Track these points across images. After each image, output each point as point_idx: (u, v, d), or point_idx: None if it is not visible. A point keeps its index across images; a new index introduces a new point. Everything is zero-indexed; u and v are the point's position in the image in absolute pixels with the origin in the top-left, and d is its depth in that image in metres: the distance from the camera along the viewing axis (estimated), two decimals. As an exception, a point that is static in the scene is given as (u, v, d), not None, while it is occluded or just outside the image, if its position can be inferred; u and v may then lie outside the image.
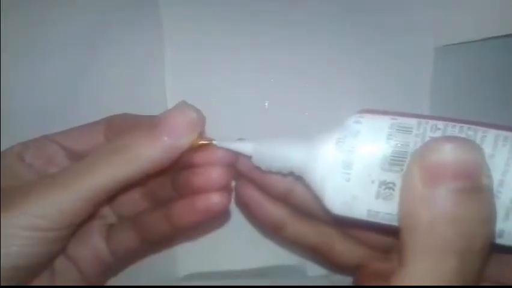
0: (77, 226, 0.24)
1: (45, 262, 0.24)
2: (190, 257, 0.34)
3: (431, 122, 0.21)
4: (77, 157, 0.27)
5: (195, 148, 0.24)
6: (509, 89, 0.34)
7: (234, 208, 0.33)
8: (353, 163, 0.21)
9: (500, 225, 0.20)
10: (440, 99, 0.34)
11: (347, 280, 0.30)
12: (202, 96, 0.34)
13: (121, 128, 0.27)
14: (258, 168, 0.25)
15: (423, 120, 0.21)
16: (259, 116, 0.34)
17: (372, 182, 0.21)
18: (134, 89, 0.34)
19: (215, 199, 0.24)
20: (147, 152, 0.23)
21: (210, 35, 0.34)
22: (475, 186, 0.19)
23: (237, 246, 0.34)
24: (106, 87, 0.34)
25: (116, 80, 0.34)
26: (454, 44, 0.33)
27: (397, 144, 0.21)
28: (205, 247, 0.34)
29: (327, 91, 0.34)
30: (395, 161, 0.21)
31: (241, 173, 0.27)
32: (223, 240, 0.34)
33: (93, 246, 0.27)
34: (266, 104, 0.34)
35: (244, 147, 0.24)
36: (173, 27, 0.34)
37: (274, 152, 0.23)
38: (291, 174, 0.24)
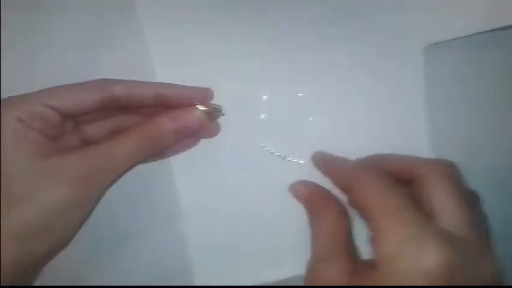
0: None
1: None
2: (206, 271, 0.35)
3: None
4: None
5: None
6: (500, 83, 0.36)
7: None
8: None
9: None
10: (434, 96, 0.35)
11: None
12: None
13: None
14: None
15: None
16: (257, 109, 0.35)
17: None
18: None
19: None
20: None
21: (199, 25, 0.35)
22: None
23: (254, 260, 0.35)
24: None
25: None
26: (444, 41, 0.35)
27: None
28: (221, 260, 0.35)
29: (320, 86, 0.35)
30: None
31: None
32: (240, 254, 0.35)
33: None
34: (264, 97, 0.35)
35: None
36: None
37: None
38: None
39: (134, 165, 0.28)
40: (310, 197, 0.30)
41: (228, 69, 0.34)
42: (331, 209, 0.28)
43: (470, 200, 0.26)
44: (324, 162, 0.31)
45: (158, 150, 0.28)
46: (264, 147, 0.34)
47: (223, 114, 0.30)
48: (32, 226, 0.25)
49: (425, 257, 0.22)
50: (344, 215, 0.28)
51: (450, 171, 0.25)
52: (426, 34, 0.35)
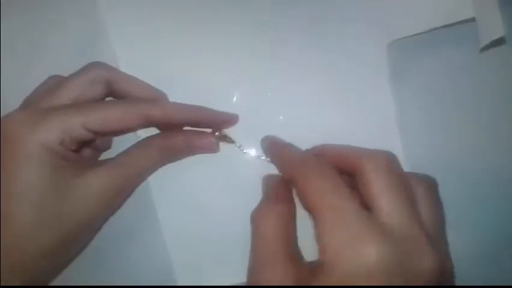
0: None
1: None
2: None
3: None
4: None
5: None
6: (466, 76, 0.35)
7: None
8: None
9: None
10: (402, 93, 0.36)
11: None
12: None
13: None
14: None
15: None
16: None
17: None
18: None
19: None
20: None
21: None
22: None
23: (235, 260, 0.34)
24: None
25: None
26: (407, 37, 0.35)
27: None
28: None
29: (289, 85, 0.36)
30: None
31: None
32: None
33: None
34: (234, 98, 0.35)
35: None
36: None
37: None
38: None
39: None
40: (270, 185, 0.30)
41: (197, 71, 0.35)
42: (281, 202, 0.28)
43: (429, 186, 0.26)
44: (271, 148, 0.31)
45: (172, 162, 0.31)
46: (239, 147, 0.34)
47: (233, 142, 0.33)
48: (63, 241, 0.26)
49: (364, 257, 0.22)
50: (291, 214, 0.28)
51: (385, 163, 0.25)
52: (389, 31, 0.33)
